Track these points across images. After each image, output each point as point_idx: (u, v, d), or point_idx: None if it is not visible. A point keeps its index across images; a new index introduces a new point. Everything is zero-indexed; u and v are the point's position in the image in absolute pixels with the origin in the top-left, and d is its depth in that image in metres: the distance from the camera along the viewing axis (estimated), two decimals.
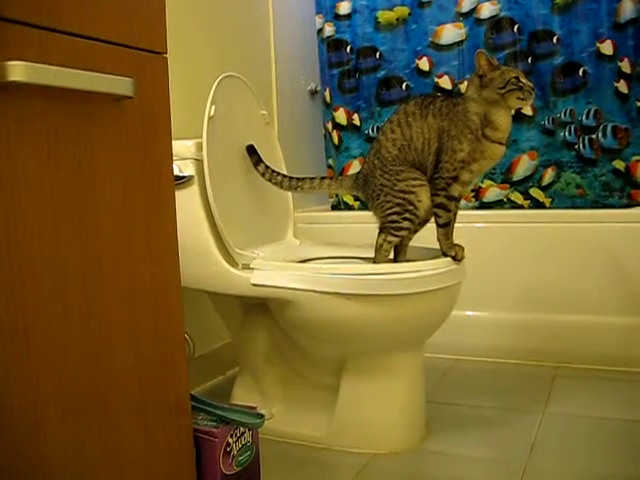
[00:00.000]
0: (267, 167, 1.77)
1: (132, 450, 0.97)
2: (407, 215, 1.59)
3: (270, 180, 1.77)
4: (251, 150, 1.78)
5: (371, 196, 1.65)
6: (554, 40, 2.34)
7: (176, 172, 1.61)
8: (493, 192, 2.48)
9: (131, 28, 0.95)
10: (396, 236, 1.62)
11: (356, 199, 2.68)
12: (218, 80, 1.70)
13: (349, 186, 1.74)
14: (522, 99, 1.55)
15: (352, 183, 1.73)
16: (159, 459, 1.02)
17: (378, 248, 1.63)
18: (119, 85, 0.89)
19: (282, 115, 2.61)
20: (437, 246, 1.63)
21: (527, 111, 2.38)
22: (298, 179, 1.76)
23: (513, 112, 1.60)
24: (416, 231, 1.67)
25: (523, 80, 1.55)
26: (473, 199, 2.51)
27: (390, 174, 1.60)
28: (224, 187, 1.67)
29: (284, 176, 1.77)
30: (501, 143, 1.57)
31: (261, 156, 1.77)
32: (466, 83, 1.63)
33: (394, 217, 1.60)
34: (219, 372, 2.17)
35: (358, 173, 1.72)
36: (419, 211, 1.60)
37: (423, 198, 1.59)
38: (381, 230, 1.63)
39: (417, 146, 1.60)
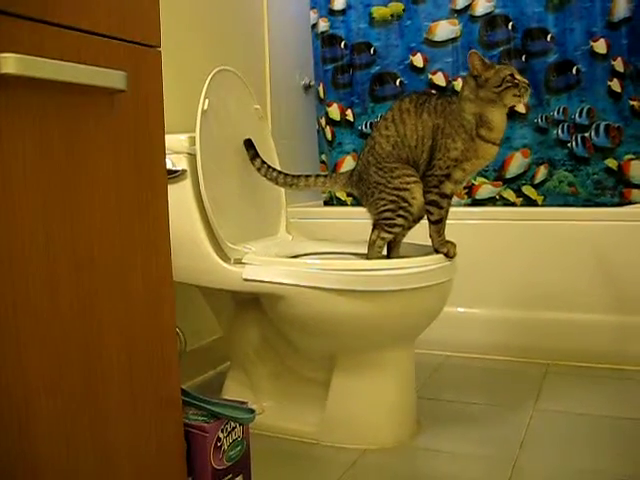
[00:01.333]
0: (263, 162, 1.77)
1: (123, 444, 0.96)
2: (401, 212, 1.59)
3: (265, 176, 1.77)
4: (248, 144, 1.77)
5: (365, 193, 1.65)
6: (548, 38, 2.35)
7: (169, 166, 1.61)
8: (486, 189, 2.48)
9: (125, 21, 0.95)
10: (390, 233, 1.62)
11: (349, 195, 2.68)
12: (212, 74, 1.69)
13: (343, 183, 1.74)
14: (518, 96, 1.55)
15: (346, 180, 1.73)
16: (150, 453, 1.02)
17: (371, 244, 1.63)
18: (112, 78, 0.89)
19: (276, 110, 2.60)
20: (429, 243, 1.63)
21: (520, 109, 2.38)
22: (293, 176, 1.76)
23: (507, 110, 1.60)
24: (410, 228, 1.68)
25: (518, 77, 1.55)
26: (466, 196, 2.51)
27: (384, 171, 1.60)
28: (217, 181, 1.67)
29: (279, 172, 1.77)
30: (495, 143, 1.58)
31: (258, 150, 1.77)
32: (460, 82, 1.64)
33: (388, 214, 1.60)
34: (210, 367, 2.17)
35: (352, 170, 1.72)
36: (413, 208, 1.60)
37: (417, 195, 1.60)
38: (375, 226, 1.64)
39: (411, 143, 1.60)
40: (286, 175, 1.76)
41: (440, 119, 1.58)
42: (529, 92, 1.57)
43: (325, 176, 1.78)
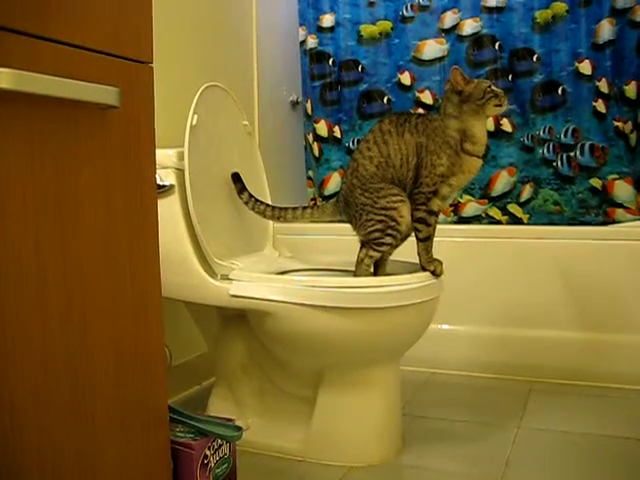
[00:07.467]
0: (251, 196, 1.77)
1: (109, 461, 0.96)
2: (389, 231, 1.60)
3: (253, 209, 1.78)
4: (235, 178, 1.78)
5: (353, 216, 1.66)
6: (534, 58, 2.38)
7: (157, 181, 1.61)
8: (471, 207, 2.50)
9: (118, 37, 0.95)
10: (378, 251, 1.62)
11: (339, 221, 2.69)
12: (201, 90, 1.70)
13: (331, 212, 1.74)
14: (499, 105, 1.59)
15: (333, 208, 1.73)
16: (136, 470, 1.01)
17: (359, 262, 1.63)
18: (105, 94, 0.89)
19: (263, 126, 2.61)
20: (417, 260, 1.63)
21: (507, 128, 2.40)
22: (281, 209, 1.77)
23: (487, 121, 1.63)
24: (397, 246, 1.68)
25: (494, 87, 1.61)
26: (452, 214, 2.52)
27: (370, 192, 1.61)
28: (204, 197, 1.67)
29: (267, 205, 1.78)
30: (479, 156, 1.61)
31: (245, 184, 1.78)
32: (442, 101, 1.66)
33: (377, 234, 1.61)
34: (195, 382, 2.16)
35: (338, 196, 1.73)
36: (401, 227, 1.61)
37: (405, 214, 1.60)
38: (363, 245, 1.64)
39: (395, 163, 1.61)
40: (273, 208, 1.77)
41: (423, 137, 1.60)
42: (506, 100, 1.61)
43: (312, 207, 1.79)
